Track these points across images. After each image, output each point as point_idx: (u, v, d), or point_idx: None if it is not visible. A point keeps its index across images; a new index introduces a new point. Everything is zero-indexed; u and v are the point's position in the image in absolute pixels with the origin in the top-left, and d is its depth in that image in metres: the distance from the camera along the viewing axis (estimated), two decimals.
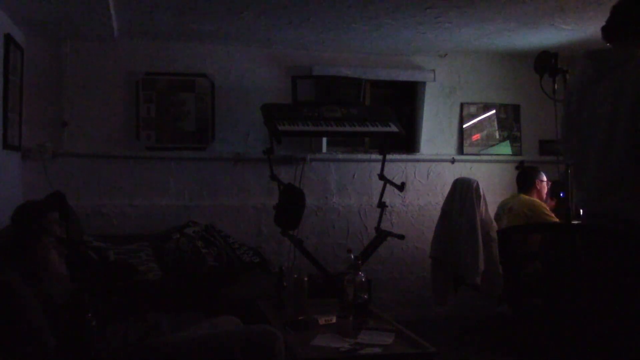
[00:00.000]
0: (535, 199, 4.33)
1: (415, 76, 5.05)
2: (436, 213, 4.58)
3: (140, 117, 4.53)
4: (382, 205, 4.40)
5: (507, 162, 5.12)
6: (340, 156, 4.95)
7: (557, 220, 4.16)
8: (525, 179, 4.45)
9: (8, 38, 3.70)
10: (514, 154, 5.20)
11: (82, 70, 4.43)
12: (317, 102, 4.38)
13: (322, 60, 4.87)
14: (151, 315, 2.66)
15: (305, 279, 3.45)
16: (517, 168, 4.62)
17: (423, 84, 5.09)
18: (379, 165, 4.48)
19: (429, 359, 2.81)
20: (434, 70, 5.02)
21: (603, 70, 2.49)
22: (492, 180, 4.97)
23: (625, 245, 2.34)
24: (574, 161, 2.61)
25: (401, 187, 4.23)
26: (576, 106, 2.52)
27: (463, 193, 4.26)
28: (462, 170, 5.02)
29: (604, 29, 2.56)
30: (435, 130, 5.10)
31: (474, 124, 5.16)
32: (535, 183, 4.38)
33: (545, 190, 4.44)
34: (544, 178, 4.43)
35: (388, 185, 4.37)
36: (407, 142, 5.08)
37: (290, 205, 4.10)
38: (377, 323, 3.19)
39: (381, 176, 4.41)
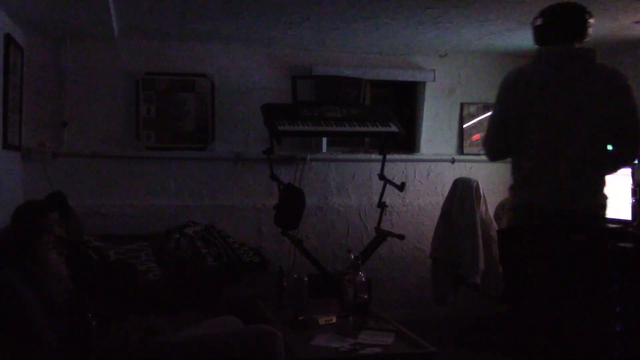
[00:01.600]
0: None
1: (415, 76, 5.05)
2: (436, 213, 4.59)
3: (140, 117, 4.53)
4: (382, 205, 4.40)
5: (507, 162, 5.10)
6: (340, 156, 4.95)
7: None
8: None
9: (8, 38, 3.70)
10: None
11: (82, 70, 4.43)
12: (317, 102, 4.38)
13: (322, 60, 4.87)
14: (151, 317, 2.66)
15: (305, 279, 3.45)
16: None
17: (423, 84, 5.09)
18: (379, 165, 4.48)
19: (429, 359, 2.81)
20: (434, 70, 5.01)
21: (581, 70, 2.55)
22: (492, 180, 4.96)
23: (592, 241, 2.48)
24: (502, 158, 2.73)
25: (401, 187, 4.23)
26: (544, 101, 2.53)
27: (463, 193, 4.26)
28: (462, 170, 5.02)
29: (539, 28, 2.67)
30: (435, 130, 5.10)
31: (474, 124, 5.16)
32: None
33: None
34: None
35: (388, 185, 4.37)
36: (407, 142, 5.08)
37: (290, 205, 4.10)
38: (377, 323, 3.19)
39: (381, 176, 4.41)
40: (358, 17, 3.89)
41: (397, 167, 5.00)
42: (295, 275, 3.51)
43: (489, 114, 5.15)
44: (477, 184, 4.27)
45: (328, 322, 3.16)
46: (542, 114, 2.51)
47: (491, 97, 5.47)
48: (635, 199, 3.81)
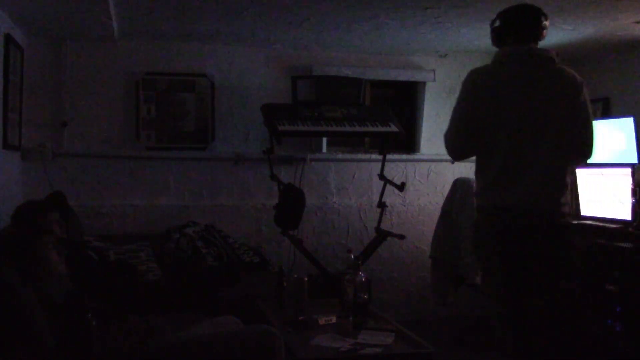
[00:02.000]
0: None
1: (415, 76, 5.05)
2: (436, 213, 4.59)
3: (140, 117, 4.53)
4: (382, 205, 4.40)
5: None
6: (340, 156, 4.95)
7: None
8: None
9: (8, 38, 3.70)
10: None
11: (82, 70, 4.43)
12: (317, 102, 4.38)
13: (322, 60, 4.87)
14: (151, 317, 2.66)
15: (305, 279, 3.45)
16: None
17: (423, 84, 5.09)
18: (379, 165, 4.48)
19: (429, 359, 2.81)
20: (434, 70, 5.01)
21: (543, 70, 2.61)
22: None
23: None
24: (469, 157, 2.77)
25: (401, 187, 4.23)
26: (511, 102, 2.58)
27: (463, 193, 4.26)
28: (462, 170, 5.02)
29: (497, 30, 2.71)
30: (435, 130, 5.09)
31: None
32: None
33: None
34: None
35: (388, 185, 4.37)
36: (407, 142, 5.08)
37: (290, 205, 4.10)
38: (377, 323, 3.19)
39: (381, 176, 4.41)
40: (358, 17, 3.89)
41: (397, 167, 5.00)
42: (295, 275, 3.51)
43: None
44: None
45: (328, 322, 3.16)
46: (508, 116, 2.58)
47: None
48: (635, 199, 3.81)
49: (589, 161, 2.75)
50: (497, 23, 2.71)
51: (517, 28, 2.65)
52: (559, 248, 2.64)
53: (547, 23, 2.65)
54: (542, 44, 2.61)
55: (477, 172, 2.77)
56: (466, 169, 5.08)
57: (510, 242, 2.60)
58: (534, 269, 2.64)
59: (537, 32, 2.63)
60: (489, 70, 2.69)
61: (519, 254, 2.61)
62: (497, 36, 2.73)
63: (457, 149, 2.78)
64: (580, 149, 2.65)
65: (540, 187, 2.57)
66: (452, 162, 5.05)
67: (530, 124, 2.57)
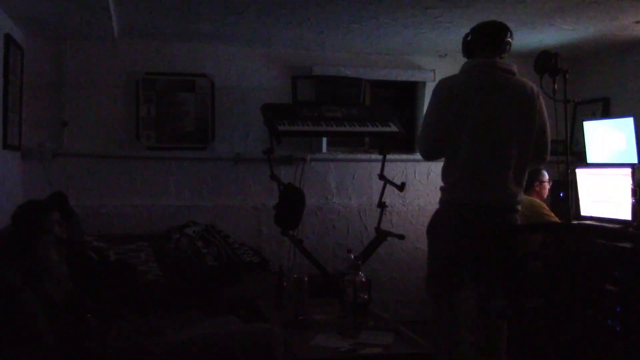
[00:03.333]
0: (534, 199, 4.32)
1: (415, 76, 5.05)
2: None
3: (140, 117, 4.53)
4: (382, 205, 4.40)
5: None
6: (340, 156, 4.95)
7: (557, 219, 4.16)
8: None
9: (8, 38, 3.70)
10: None
11: (82, 70, 4.43)
12: (317, 102, 4.38)
13: (322, 60, 4.87)
14: (151, 317, 2.66)
15: (305, 279, 3.45)
16: None
17: (423, 84, 5.09)
18: (379, 165, 4.48)
19: (429, 359, 2.81)
20: (434, 70, 5.02)
21: (503, 80, 2.90)
22: None
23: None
24: (460, 155, 2.92)
25: (401, 187, 4.23)
26: (472, 108, 2.87)
27: None
28: None
29: (472, 44, 2.99)
30: None
31: None
32: (535, 185, 4.36)
33: (545, 191, 4.42)
34: (545, 179, 4.40)
35: (388, 185, 4.37)
36: (407, 142, 5.08)
37: (290, 205, 4.10)
38: (377, 323, 3.19)
39: (381, 176, 4.41)
40: (358, 17, 3.89)
41: (397, 167, 4.99)
42: (295, 275, 3.51)
43: None
44: None
45: (328, 322, 3.16)
46: (470, 121, 2.86)
47: None
48: (635, 199, 3.81)
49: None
50: (469, 37, 3.01)
51: (484, 43, 2.95)
52: (504, 246, 2.87)
53: (510, 40, 2.95)
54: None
55: (444, 171, 3.05)
56: None
57: (462, 234, 2.89)
58: (473, 260, 2.91)
59: (502, 47, 2.93)
60: (456, 79, 2.99)
61: (466, 245, 2.89)
62: (467, 49, 3.02)
63: (427, 150, 3.11)
64: (537, 153, 2.94)
65: (497, 187, 2.85)
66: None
67: (489, 129, 2.87)
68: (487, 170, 2.87)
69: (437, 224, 3.04)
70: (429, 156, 3.20)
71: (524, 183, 2.95)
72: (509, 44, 2.95)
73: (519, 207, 2.94)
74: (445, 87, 2.97)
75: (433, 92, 3.00)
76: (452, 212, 2.95)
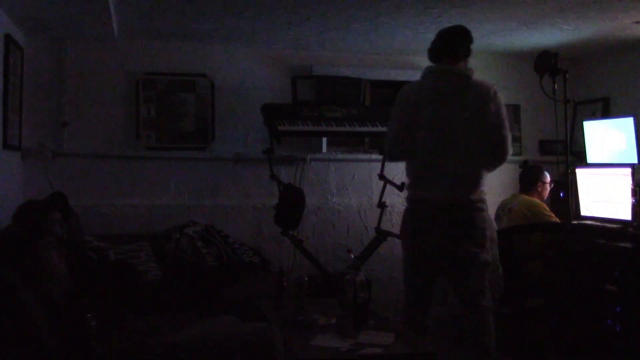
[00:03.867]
0: (535, 199, 4.32)
1: (415, 76, 5.00)
2: None
3: (140, 117, 4.53)
4: (382, 205, 4.40)
5: (507, 162, 5.10)
6: (340, 156, 4.95)
7: (557, 220, 4.16)
8: (527, 179, 4.43)
9: (8, 38, 3.70)
10: (514, 154, 5.18)
11: (82, 70, 4.43)
12: (317, 102, 4.38)
13: (322, 60, 4.87)
14: (151, 317, 2.66)
15: (305, 279, 3.44)
16: (521, 166, 4.60)
17: None
18: (379, 165, 4.48)
19: (429, 359, 2.81)
20: (456, 53, 4.99)
21: (458, 85, 3.06)
22: (492, 180, 4.92)
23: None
24: (417, 157, 3.14)
25: (401, 187, 4.21)
26: (428, 112, 3.07)
27: None
28: None
29: (432, 51, 3.15)
30: None
31: None
32: (537, 185, 4.37)
33: (546, 192, 4.42)
34: (547, 179, 4.40)
35: (388, 185, 4.37)
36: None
37: (290, 205, 4.10)
38: (377, 323, 3.18)
39: (381, 176, 4.41)
40: (358, 17, 3.89)
41: (397, 167, 4.97)
42: (295, 275, 3.51)
43: None
44: None
45: (328, 322, 3.16)
46: (426, 124, 3.07)
47: None
48: (635, 199, 3.81)
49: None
50: (431, 45, 3.16)
51: (438, 50, 3.13)
52: (463, 241, 3.03)
53: (467, 45, 3.11)
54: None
55: (406, 171, 3.30)
56: None
57: (422, 229, 3.11)
58: (438, 257, 3.10)
59: (456, 52, 3.09)
60: (414, 85, 3.23)
61: (427, 241, 3.09)
62: (430, 55, 3.18)
63: (389, 152, 3.37)
64: (493, 153, 3.07)
65: (450, 185, 3.03)
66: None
67: (442, 131, 3.05)
68: (440, 169, 3.05)
69: (403, 221, 3.29)
70: (391, 157, 3.49)
71: (481, 182, 3.08)
72: (466, 49, 3.11)
73: (481, 205, 3.07)
74: (404, 93, 3.20)
75: (396, 98, 3.21)
76: (414, 209, 3.20)
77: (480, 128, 3.02)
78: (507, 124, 3.06)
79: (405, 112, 3.16)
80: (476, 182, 3.07)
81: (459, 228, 3.04)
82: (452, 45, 3.11)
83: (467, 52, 3.13)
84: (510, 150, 3.11)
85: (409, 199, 3.26)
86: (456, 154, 3.04)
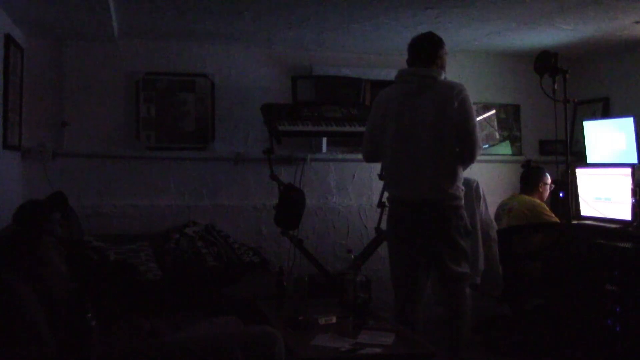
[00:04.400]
0: (535, 199, 4.32)
1: None
2: None
3: (140, 117, 4.53)
4: (382, 205, 4.40)
5: (507, 162, 5.13)
6: (340, 156, 4.95)
7: (557, 220, 4.16)
8: (528, 179, 4.43)
9: (8, 38, 3.70)
10: (514, 154, 5.19)
11: (82, 70, 4.43)
12: (317, 102, 4.38)
13: (322, 60, 4.87)
14: (151, 317, 2.66)
15: (305, 279, 3.45)
16: (522, 166, 4.60)
17: None
18: (379, 165, 4.47)
19: (429, 359, 2.81)
20: (426, 59, 4.99)
21: (422, 87, 3.21)
22: (492, 180, 4.96)
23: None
24: (386, 158, 3.34)
25: None
26: (394, 114, 3.25)
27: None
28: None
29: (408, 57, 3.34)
30: None
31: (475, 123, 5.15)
32: (539, 186, 4.37)
33: (547, 192, 4.42)
34: (548, 180, 4.40)
35: None
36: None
37: (290, 205, 4.10)
38: (377, 323, 3.19)
39: (381, 176, 4.40)
40: (358, 17, 3.89)
41: None
42: (295, 275, 3.51)
43: (490, 113, 5.20)
44: (477, 184, 4.27)
45: (328, 322, 3.16)
46: (392, 126, 3.25)
47: (491, 96, 5.54)
48: (635, 199, 3.81)
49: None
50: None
51: (410, 54, 3.33)
52: (436, 239, 3.21)
53: (437, 52, 3.27)
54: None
55: (381, 170, 3.65)
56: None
57: (399, 228, 3.30)
58: (421, 251, 3.27)
59: (424, 57, 3.26)
60: (387, 89, 3.40)
61: (404, 237, 3.27)
62: (407, 61, 3.35)
63: (364, 153, 3.55)
64: (463, 152, 3.20)
65: (418, 184, 3.20)
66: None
67: (407, 131, 3.22)
68: (408, 168, 3.23)
69: (387, 220, 3.46)
70: (367, 158, 3.60)
71: (452, 179, 3.19)
72: (430, 54, 3.27)
73: (454, 202, 3.20)
74: (378, 96, 3.42)
75: (372, 103, 3.44)
76: (391, 208, 3.39)
77: (445, 126, 3.16)
78: (473, 121, 3.17)
79: (377, 114, 3.37)
80: (446, 180, 3.19)
81: (431, 225, 3.20)
82: (418, 51, 3.30)
83: (433, 57, 3.28)
84: (479, 146, 3.22)
85: (387, 198, 3.45)
86: (422, 154, 3.19)
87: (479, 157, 5.20)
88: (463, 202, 3.28)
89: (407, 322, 3.25)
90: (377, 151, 3.40)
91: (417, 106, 3.20)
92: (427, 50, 3.28)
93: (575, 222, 4.05)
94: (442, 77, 3.25)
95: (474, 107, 3.26)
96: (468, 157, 3.24)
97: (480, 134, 3.24)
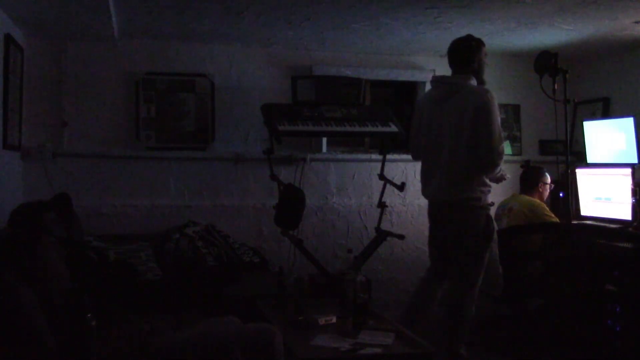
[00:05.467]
0: (535, 199, 4.32)
1: (415, 76, 5.05)
2: None
3: (140, 117, 4.53)
4: (382, 205, 4.40)
5: (507, 162, 5.10)
6: (340, 156, 4.95)
7: (557, 220, 4.16)
8: (528, 179, 4.44)
9: (8, 38, 3.70)
10: (514, 154, 5.19)
11: (82, 70, 4.43)
12: (317, 102, 4.38)
13: (322, 60, 4.87)
14: (151, 317, 2.66)
15: (305, 279, 3.45)
16: (522, 166, 4.61)
17: (423, 84, 5.08)
18: (379, 165, 4.48)
19: (429, 359, 2.81)
20: (434, 70, 5.00)
21: (449, 93, 3.40)
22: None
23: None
24: (421, 159, 3.65)
25: (401, 187, 4.23)
26: (427, 118, 3.50)
27: None
28: None
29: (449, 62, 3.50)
30: None
31: None
32: (539, 186, 4.37)
33: (546, 193, 4.43)
34: (548, 180, 4.40)
35: (388, 185, 4.37)
36: (407, 142, 5.07)
37: (291, 205, 4.10)
38: (377, 323, 3.19)
39: (381, 176, 4.41)
40: (358, 17, 3.89)
41: (397, 167, 4.99)
42: (295, 275, 3.51)
43: None
44: None
45: (328, 322, 3.16)
46: (424, 130, 3.51)
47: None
48: (635, 199, 3.81)
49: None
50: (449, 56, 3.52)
51: (448, 59, 3.49)
52: (458, 233, 3.39)
53: (473, 55, 3.40)
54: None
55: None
56: None
57: (431, 224, 3.61)
58: (442, 245, 3.51)
59: (461, 59, 3.42)
60: (424, 94, 3.73)
61: (433, 232, 3.60)
62: (449, 64, 3.52)
63: (411, 154, 3.84)
64: (480, 159, 3.29)
65: (439, 185, 3.42)
66: None
67: (435, 135, 3.44)
68: (433, 171, 3.47)
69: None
70: (413, 158, 3.89)
71: (472, 183, 3.32)
72: (470, 61, 3.39)
73: (473, 203, 3.34)
74: (417, 101, 3.78)
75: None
76: (428, 206, 3.63)
77: (463, 131, 3.28)
78: (490, 127, 3.23)
79: (415, 118, 3.66)
80: (465, 183, 3.33)
81: (445, 225, 3.44)
82: (453, 56, 3.46)
83: (467, 62, 3.40)
84: (498, 152, 3.26)
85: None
86: (444, 158, 3.37)
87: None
88: (485, 205, 3.38)
89: (425, 298, 3.61)
90: (418, 153, 3.68)
91: (444, 112, 3.39)
92: (460, 56, 3.42)
93: (575, 222, 4.05)
94: (471, 82, 3.36)
95: (497, 113, 3.29)
96: (485, 163, 3.31)
97: (500, 140, 3.27)
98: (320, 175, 4.88)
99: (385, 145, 4.46)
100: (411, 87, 5.21)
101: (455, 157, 3.32)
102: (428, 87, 5.03)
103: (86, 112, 4.45)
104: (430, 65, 5.04)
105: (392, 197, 4.75)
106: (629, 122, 4.11)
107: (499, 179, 3.52)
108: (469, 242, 3.36)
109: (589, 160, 4.49)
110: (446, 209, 3.42)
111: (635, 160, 4.00)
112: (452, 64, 3.47)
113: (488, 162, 3.29)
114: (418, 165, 5.04)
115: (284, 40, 4.53)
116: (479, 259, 3.39)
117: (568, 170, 3.54)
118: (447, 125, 3.36)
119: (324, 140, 4.92)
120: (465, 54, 3.41)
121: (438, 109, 3.43)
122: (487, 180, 3.39)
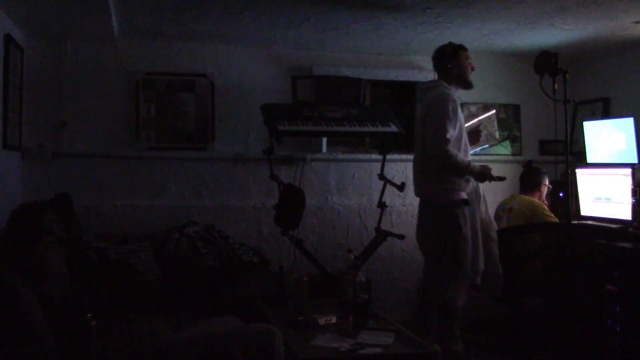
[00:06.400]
0: (535, 199, 4.33)
1: (415, 76, 5.05)
2: None
3: (140, 117, 4.53)
4: (382, 205, 4.40)
5: (507, 162, 5.12)
6: (340, 156, 4.95)
7: (556, 220, 4.16)
8: (529, 179, 4.43)
9: (8, 38, 3.70)
10: (514, 154, 5.19)
11: (82, 70, 4.43)
12: (317, 102, 4.37)
13: (322, 60, 4.87)
14: (151, 318, 2.66)
15: (305, 279, 3.45)
16: (524, 166, 4.61)
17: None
18: (379, 165, 4.48)
19: (429, 359, 2.81)
20: (434, 70, 5.00)
21: (421, 97, 3.73)
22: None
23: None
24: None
25: (401, 187, 4.23)
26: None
27: None
28: None
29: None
30: None
31: (475, 123, 5.15)
32: (540, 187, 4.37)
33: (545, 193, 4.43)
34: (547, 182, 4.42)
35: (388, 185, 4.37)
36: (407, 142, 5.08)
37: (290, 205, 4.10)
38: (377, 323, 3.19)
39: (381, 176, 4.41)
40: (358, 17, 3.89)
41: (397, 167, 4.99)
42: (295, 275, 3.51)
43: (490, 113, 5.18)
44: (477, 183, 4.26)
45: (328, 322, 3.16)
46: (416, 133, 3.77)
47: (491, 96, 5.53)
48: (635, 199, 3.81)
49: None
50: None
51: (437, 66, 3.73)
52: (434, 228, 3.56)
53: (446, 62, 3.64)
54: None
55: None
56: None
57: (418, 221, 3.80)
58: (425, 237, 3.71)
59: (436, 67, 3.72)
60: None
61: (419, 226, 3.76)
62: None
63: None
64: (427, 150, 3.50)
65: (415, 184, 3.74)
66: None
67: (416, 138, 3.70)
68: (415, 171, 3.75)
69: None
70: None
71: (437, 180, 3.50)
72: (443, 68, 3.65)
73: (441, 200, 3.49)
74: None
75: None
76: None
77: (424, 132, 3.54)
78: (434, 125, 3.42)
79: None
80: (429, 180, 3.57)
81: (421, 221, 3.70)
82: (433, 62, 3.74)
83: (441, 69, 3.67)
84: (439, 148, 3.38)
85: None
86: (417, 157, 3.70)
87: (479, 157, 5.23)
88: (452, 200, 3.47)
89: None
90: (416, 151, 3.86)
91: (418, 116, 3.74)
92: (436, 63, 3.70)
93: (575, 222, 4.05)
94: (440, 87, 3.58)
95: (448, 111, 3.42)
96: (431, 155, 3.48)
97: (441, 132, 3.39)
98: (320, 175, 4.88)
99: (385, 145, 4.46)
100: (411, 87, 5.20)
101: (422, 156, 3.59)
102: None
103: (86, 112, 4.45)
104: (430, 65, 4.98)
105: (392, 197, 4.75)
106: (629, 122, 4.11)
107: (463, 170, 3.47)
108: (438, 237, 3.50)
109: (589, 160, 4.49)
110: (420, 206, 3.72)
111: (635, 160, 4.00)
112: (434, 70, 3.75)
113: (433, 153, 3.44)
114: None
115: (284, 40, 4.53)
116: (449, 255, 3.44)
117: (568, 170, 3.54)
118: (418, 127, 3.65)
119: (324, 140, 4.92)
120: (440, 61, 3.66)
121: (419, 113, 3.77)
122: (456, 177, 3.46)
